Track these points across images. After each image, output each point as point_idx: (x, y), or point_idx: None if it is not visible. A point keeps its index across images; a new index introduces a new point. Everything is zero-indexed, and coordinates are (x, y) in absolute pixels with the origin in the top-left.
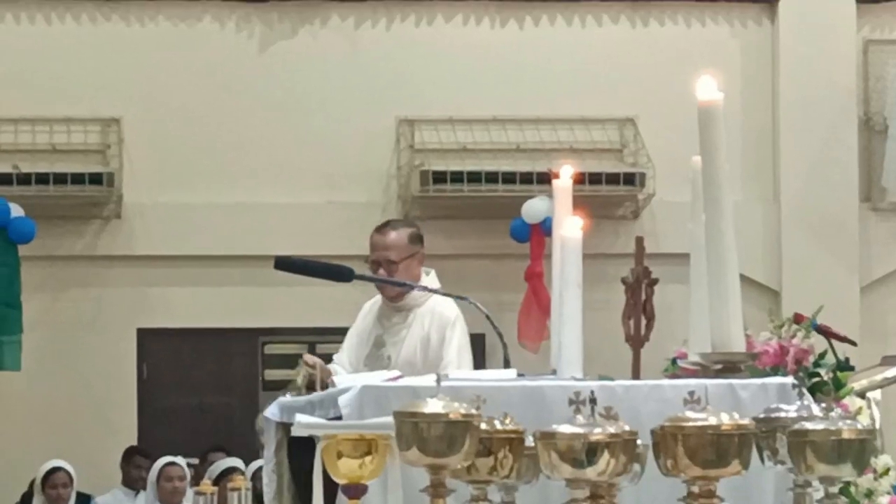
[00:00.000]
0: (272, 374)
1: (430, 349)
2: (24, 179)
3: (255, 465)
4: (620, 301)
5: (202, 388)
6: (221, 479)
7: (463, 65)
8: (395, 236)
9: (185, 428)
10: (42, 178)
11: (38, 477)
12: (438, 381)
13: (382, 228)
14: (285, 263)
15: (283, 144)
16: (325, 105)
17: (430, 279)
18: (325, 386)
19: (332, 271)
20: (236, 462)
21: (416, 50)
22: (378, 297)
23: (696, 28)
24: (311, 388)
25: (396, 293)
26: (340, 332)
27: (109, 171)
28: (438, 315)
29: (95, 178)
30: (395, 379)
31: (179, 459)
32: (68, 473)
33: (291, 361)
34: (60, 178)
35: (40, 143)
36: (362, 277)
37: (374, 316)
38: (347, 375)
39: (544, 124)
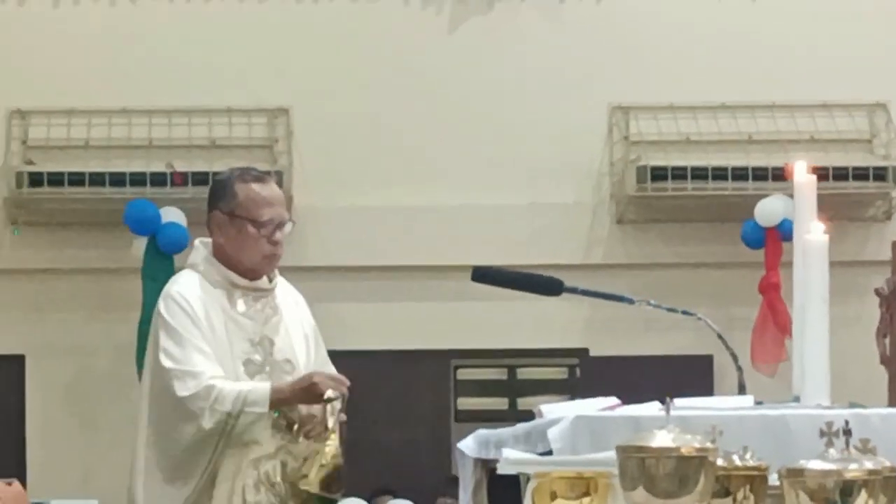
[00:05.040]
0: (466, 404)
1: (309, 347)
2: (180, 180)
3: None
4: (873, 316)
5: (380, 421)
6: None
7: (685, 42)
8: (280, 191)
9: (354, 467)
10: (200, 179)
11: None
12: (667, 408)
13: (263, 177)
14: (483, 275)
15: (478, 137)
16: (526, 91)
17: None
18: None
19: (537, 283)
20: None
21: (630, 25)
22: (193, 281)
23: None
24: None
25: (274, 266)
26: (546, 355)
27: (277, 169)
28: (300, 298)
29: None
30: (613, 407)
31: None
32: None
33: (490, 388)
34: None
35: (197, 138)
36: (573, 290)
37: (223, 309)
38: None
39: (780, 111)
